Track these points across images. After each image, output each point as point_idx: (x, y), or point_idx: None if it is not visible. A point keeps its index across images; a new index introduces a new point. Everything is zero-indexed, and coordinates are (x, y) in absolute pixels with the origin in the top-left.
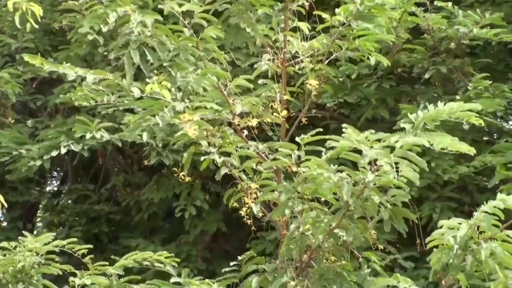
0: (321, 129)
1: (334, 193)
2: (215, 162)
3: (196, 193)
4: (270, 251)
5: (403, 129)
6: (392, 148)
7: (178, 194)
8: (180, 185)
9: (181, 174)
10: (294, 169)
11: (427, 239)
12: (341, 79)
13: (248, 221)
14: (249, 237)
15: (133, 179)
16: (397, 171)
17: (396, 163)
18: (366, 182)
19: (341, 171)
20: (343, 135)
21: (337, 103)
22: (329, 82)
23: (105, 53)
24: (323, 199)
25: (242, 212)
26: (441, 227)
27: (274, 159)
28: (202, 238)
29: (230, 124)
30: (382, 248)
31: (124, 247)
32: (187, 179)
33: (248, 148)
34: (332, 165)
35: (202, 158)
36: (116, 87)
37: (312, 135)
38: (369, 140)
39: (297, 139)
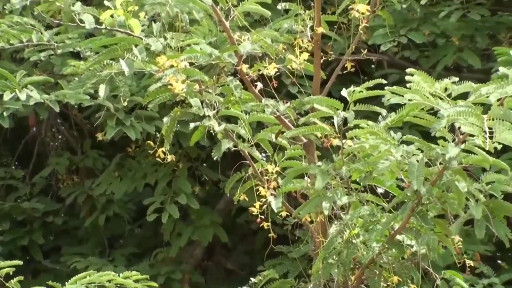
0: (381, 80)
1: (397, 178)
2: (212, 132)
3: (180, 183)
4: (297, 270)
5: (502, 78)
6: (485, 107)
7: (153, 185)
8: (155, 171)
9: (159, 152)
10: (335, 141)
11: None
12: (404, 5)
13: (264, 224)
14: (263, 250)
15: (83, 162)
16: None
17: (490, 129)
18: (446, 160)
19: (407, 143)
20: (408, 85)
21: (399, 43)
22: (387, 9)
23: None
24: (380, 188)
25: (254, 211)
26: None
27: (304, 124)
28: (190, 253)
29: (234, 73)
30: (471, 265)
31: (69, 266)
32: (169, 158)
33: (263, 110)
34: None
35: (191, 126)
36: (55, 14)
37: (366, 88)
38: (449, 94)
39: (343, 92)
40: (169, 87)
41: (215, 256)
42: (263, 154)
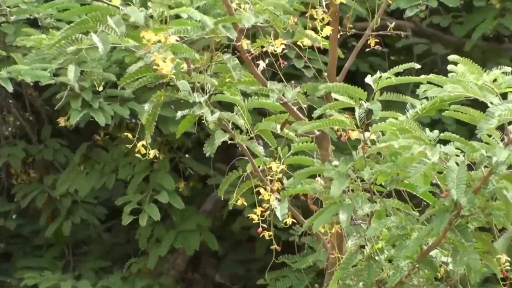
0: (414, 64)
1: (432, 184)
2: (204, 120)
3: (161, 178)
4: (303, 284)
5: None
6: None
7: (126, 180)
8: (128, 164)
9: (139, 146)
10: (355, 134)
11: None
12: None
13: (266, 234)
14: (260, 260)
15: (41, 154)
16: None
17: None
18: (493, 164)
19: (445, 142)
20: (450, 74)
21: (427, 6)
22: None
23: None
24: (409, 193)
25: (254, 218)
26: None
27: (319, 117)
28: (171, 264)
29: (233, 50)
30: None
31: (21, 280)
32: (151, 154)
33: (267, 95)
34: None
35: (178, 115)
36: None
37: (395, 74)
38: (500, 84)
39: (368, 79)
40: (154, 67)
41: (201, 267)
42: (267, 149)
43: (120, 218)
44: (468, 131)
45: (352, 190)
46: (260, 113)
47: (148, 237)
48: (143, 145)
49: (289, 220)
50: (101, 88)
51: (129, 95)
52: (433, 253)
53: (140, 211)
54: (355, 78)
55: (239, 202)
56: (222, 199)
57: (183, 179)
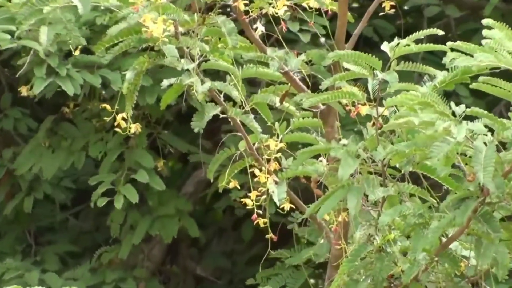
0: (437, 30)
1: (454, 165)
2: (192, 91)
3: (138, 156)
4: (299, 282)
5: None
6: None
7: (98, 158)
8: (100, 140)
9: (118, 119)
10: (365, 109)
11: None
12: None
13: (260, 222)
14: (253, 255)
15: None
16: None
17: None
18: None
19: (470, 118)
20: (484, 41)
21: None
22: None
23: None
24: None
25: (248, 203)
26: None
27: (327, 89)
28: (146, 254)
29: (228, 11)
30: None
31: None
32: (133, 128)
33: (266, 62)
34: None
35: (164, 84)
36: None
37: (415, 41)
38: None
39: (384, 46)
40: (143, 29)
41: (181, 258)
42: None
43: (88, 202)
44: (486, 105)
45: (361, 173)
46: (250, 83)
47: (121, 223)
48: (123, 118)
49: (287, 206)
50: (77, 53)
51: (101, 61)
52: (452, 246)
53: (114, 193)
54: (357, 44)
55: (231, 185)
56: (210, 180)
57: (162, 156)
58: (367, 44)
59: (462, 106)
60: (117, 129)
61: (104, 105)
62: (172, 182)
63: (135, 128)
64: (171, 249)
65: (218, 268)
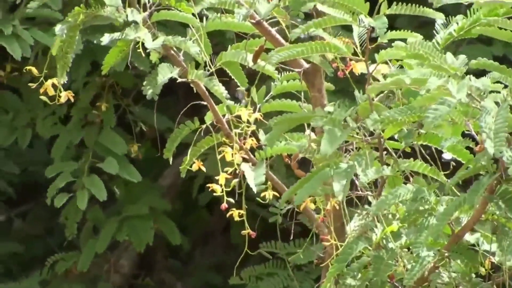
0: None
1: (464, 135)
2: (142, 50)
3: (104, 138)
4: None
5: None
6: None
7: (47, 138)
8: (51, 115)
9: (46, 84)
10: (361, 67)
11: None
12: None
13: (235, 214)
14: (237, 258)
15: None
16: None
17: None
18: None
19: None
20: None
21: None
22: None
23: None
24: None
25: (217, 190)
26: None
27: (311, 38)
28: (113, 264)
29: None
30: None
31: None
32: (62, 97)
33: (233, 12)
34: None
35: (104, 40)
36: None
37: None
38: None
39: None
40: None
41: (156, 269)
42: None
43: (39, 199)
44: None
45: (358, 148)
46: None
47: (79, 224)
48: (53, 85)
49: (269, 194)
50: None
51: (56, 15)
52: (472, 238)
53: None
54: None
55: (195, 167)
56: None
57: (135, 137)
58: None
59: (462, 56)
60: (42, 97)
61: (29, 67)
62: (145, 172)
63: (66, 96)
64: (144, 258)
65: (202, 280)
